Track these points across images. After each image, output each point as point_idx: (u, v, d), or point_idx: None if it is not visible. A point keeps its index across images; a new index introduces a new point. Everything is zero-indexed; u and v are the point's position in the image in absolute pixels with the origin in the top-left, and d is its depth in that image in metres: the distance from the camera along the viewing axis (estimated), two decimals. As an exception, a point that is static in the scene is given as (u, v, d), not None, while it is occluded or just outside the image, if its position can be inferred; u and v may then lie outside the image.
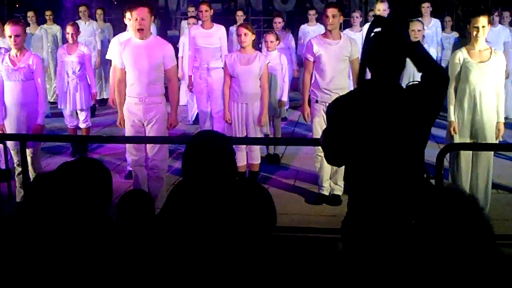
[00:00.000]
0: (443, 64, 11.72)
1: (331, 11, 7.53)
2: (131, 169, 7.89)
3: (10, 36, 7.59)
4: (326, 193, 7.77)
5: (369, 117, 4.18)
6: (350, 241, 4.44)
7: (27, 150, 7.02)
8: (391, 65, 4.23)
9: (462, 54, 6.87)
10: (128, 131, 7.19)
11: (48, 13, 14.33)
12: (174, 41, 13.57)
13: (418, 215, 2.87)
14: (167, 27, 20.51)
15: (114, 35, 13.32)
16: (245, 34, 8.26)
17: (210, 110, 10.01)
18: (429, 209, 2.83)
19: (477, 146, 6.92)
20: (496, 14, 12.45)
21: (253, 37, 8.31)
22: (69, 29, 9.86)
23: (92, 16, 14.46)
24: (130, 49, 7.02)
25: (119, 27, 12.57)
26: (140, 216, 3.58)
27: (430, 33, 12.00)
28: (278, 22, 12.23)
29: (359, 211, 4.35)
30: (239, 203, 3.37)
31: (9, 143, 7.53)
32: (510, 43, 11.77)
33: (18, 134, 7.42)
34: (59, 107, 10.31)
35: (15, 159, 7.61)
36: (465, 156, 6.96)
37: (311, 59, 7.68)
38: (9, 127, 7.73)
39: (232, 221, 3.31)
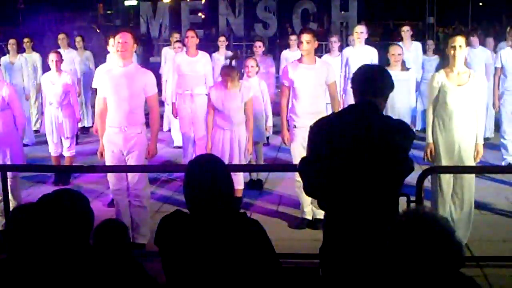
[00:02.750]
0: (424, 87, 11.81)
1: (304, 37, 7.57)
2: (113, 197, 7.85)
3: None
4: (309, 217, 7.77)
5: (345, 142, 4.23)
6: (328, 267, 4.47)
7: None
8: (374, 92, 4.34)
9: (440, 77, 6.92)
10: (109, 161, 7.14)
11: (26, 40, 14.26)
12: (156, 68, 13.64)
13: (391, 238, 2.89)
14: (149, 53, 20.57)
15: (95, 63, 13.40)
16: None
17: (194, 136, 10.02)
18: (400, 232, 2.84)
19: (458, 169, 6.94)
20: (474, 35, 12.57)
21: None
22: (53, 56, 9.79)
23: (72, 45, 14.44)
24: (110, 78, 7.01)
25: (101, 55, 12.60)
26: (114, 245, 3.59)
27: (411, 56, 12.07)
28: (259, 46, 12.27)
29: (335, 236, 4.38)
30: (232, 232, 3.44)
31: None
32: (490, 65, 11.82)
33: (-1, 165, 7.31)
34: (44, 133, 10.24)
35: None
36: (446, 178, 6.98)
37: (287, 84, 7.74)
38: None
39: (224, 250, 3.40)
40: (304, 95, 7.58)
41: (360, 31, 10.64)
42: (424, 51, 13.33)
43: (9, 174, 7.23)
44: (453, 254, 2.78)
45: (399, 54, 8.64)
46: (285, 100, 7.82)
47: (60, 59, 9.91)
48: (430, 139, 7.04)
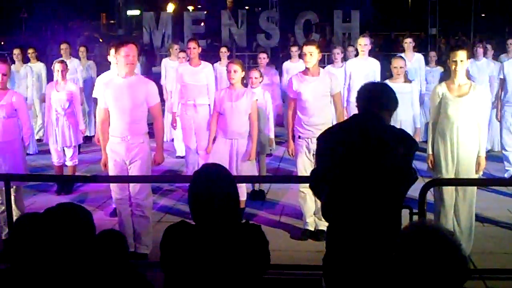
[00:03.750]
0: (427, 98, 11.82)
1: (308, 49, 7.59)
2: (115, 206, 7.86)
3: (4, 74, 7.55)
4: (311, 228, 7.76)
5: (347, 152, 4.29)
6: (331, 278, 4.47)
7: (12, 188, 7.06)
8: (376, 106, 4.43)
9: (441, 89, 6.95)
10: (111, 170, 7.14)
11: (30, 51, 14.38)
12: (159, 78, 13.66)
13: (396, 251, 2.89)
14: (152, 63, 20.61)
15: (97, 72, 13.42)
16: (234, 71, 8.41)
17: (196, 147, 9.98)
18: (406, 246, 2.84)
19: (460, 181, 6.94)
20: (479, 46, 12.51)
21: (243, 73, 8.46)
22: (58, 66, 9.87)
23: (75, 54, 14.49)
24: (112, 89, 7.01)
25: (103, 65, 12.62)
26: (112, 255, 3.60)
27: (413, 68, 12.08)
28: (263, 57, 12.29)
29: (339, 247, 4.40)
30: (238, 244, 3.48)
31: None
32: (495, 77, 11.76)
33: (2, 174, 7.26)
34: (47, 143, 10.25)
35: None
36: (449, 191, 6.98)
37: (292, 96, 7.76)
38: None
39: (230, 262, 3.43)
40: (309, 106, 7.59)
41: (364, 43, 10.63)
42: (427, 63, 13.33)
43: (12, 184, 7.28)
44: (459, 268, 2.78)
45: (401, 67, 8.68)
46: (291, 111, 7.83)
47: (65, 69, 10.00)
48: (430, 150, 7.09)
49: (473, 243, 7.06)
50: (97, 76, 11.81)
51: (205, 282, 3.43)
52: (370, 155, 4.24)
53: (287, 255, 6.98)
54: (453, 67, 6.87)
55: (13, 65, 13.34)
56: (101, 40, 25.74)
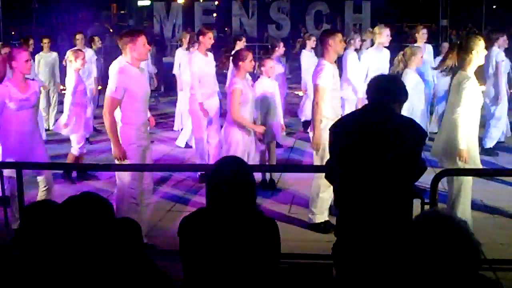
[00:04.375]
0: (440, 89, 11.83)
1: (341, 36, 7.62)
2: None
3: (27, 61, 7.55)
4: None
5: (357, 140, 4.35)
6: (342, 266, 4.49)
7: (41, 178, 7.47)
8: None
9: (475, 81, 6.86)
10: (138, 160, 7.01)
11: (45, 40, 14.50)
12: (170, 68, 13.69)
13: (409, 238, 2.89)
14: (163, 54, 20.65)
15: (109, 63, 13.46)
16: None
17: (207, 136, 9.98)
18: (418, 234, 2.85)
19: (471, 171, 6.90)
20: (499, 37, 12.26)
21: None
22: (81, 55, 9.92)
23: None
24: (134, 77, 6.94)
25: (114, 55, 12.65)
26: (130, 243, 3.61)
27: (427, 58, 12.04)
28: (282, 47, 12.49)
29: (349, 236, 4.42)
30: (253, 233, 3.56)
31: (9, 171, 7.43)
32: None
33: (15, 163, 7.27)
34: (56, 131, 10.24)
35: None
36: (471, 180, 6.97)
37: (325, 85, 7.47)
38: (25, 157, 7.52)
39: (245, 250, 3.52)
40: (332, 96, 7.50)
41: (387, 34, 10.75)
42: (439, 53, 13.28)
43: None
44: (472, 256, 2.79)
45: (421, 57, 8.78)
46: (322, 102, 7.45)
47: (85, 59, 10.13)
48: (464, 144, 6.81)
49: (483, 234, 7.05)
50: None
51: (222, 269, 3.50)
52: (380, 145, 4.27)
53: (297, 245, 6.98)
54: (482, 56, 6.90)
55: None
56: (111, 31, 25.76)
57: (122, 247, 3.55)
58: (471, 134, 6.90)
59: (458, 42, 7.01)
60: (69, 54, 10.02)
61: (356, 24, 20.44)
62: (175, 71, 13.50)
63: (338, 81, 7.73)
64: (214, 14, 23.24)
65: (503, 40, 11.48)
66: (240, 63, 8.33)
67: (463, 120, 6.73)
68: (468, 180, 6.96)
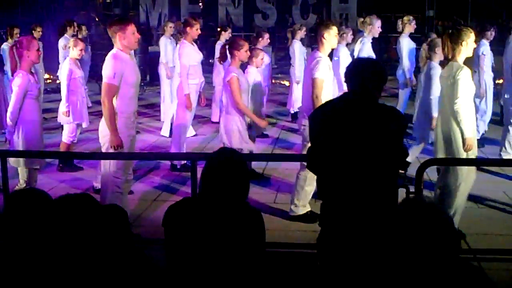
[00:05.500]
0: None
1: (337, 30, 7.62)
2: (98, 186, 7.83)
3: (38, 49, 7.56)
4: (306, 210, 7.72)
5: (338, 129, 4.32)
6: (326, 256, 4.49)
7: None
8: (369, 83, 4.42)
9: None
10: (129, 148, 6.96)
11: (38, 29, 14.49)
12: (157, 57, 13.64)
13: (391, 226, 2.90)
14: (148, 43, 20.56)
15: (95, 52, 13.47)
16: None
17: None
18: (401, 220, 2.86)
19: (456, 161, 6.89)
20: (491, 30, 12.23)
21: None
22: (81, 45, 9.86)
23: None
24: (127, 64, 6.88)
25: (100, 44, 12.64)
26: (117, 231, 3.59)
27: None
28: (266, 38, 12.49)
29: (333, 225, 4.41)
30: (237, 224, 3.60)
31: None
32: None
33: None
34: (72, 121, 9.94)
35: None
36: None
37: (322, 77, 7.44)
38: (38, 146, 7.70)
39: (228, 240, 3.56)
40: (327, 89, 7.47)
41: (379, 25, 10.90)
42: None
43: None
44: (453, 243, 2.79)
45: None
46: (322, 95, 7.37)
47: (84, 48, 10.18)
48: (470, 132, 6.77)
49: (468, 224, 7.09)
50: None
51: (205, 259, 3.53)
52: (362, 133, 4.25)
53: (282, 234, 6.99)
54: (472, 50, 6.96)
55: (6, 42, 13.43)
56: (97, 19, 25.62)
57: (110, 234, 3.53)
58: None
59: (450, 32, 6.97)
60: (71, 41, 10.01)
61: (342, 14, 20.42)
62: (162, 59, 13.45)
63: (332, 74, 7.73)
64: (200, 4, 23.16)
65: (490, 34, 11.49)
66: (236, 52, 8.36)
67: (464, 109, 6.70)
68: (472, 170, 6.94)
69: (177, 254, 3.62)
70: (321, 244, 4.54)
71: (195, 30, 9.92)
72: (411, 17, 12.01)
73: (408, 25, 11.75)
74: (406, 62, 11.77)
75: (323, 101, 7.23)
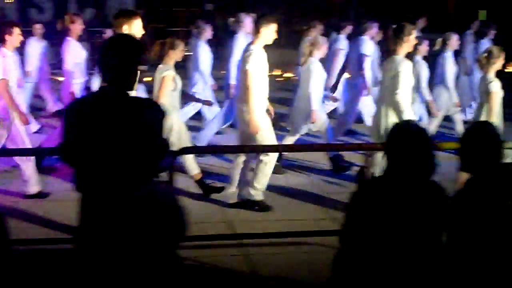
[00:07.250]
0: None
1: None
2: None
3: None
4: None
5: (93, 122, 4.19)
6: (83, 248, 4.33)
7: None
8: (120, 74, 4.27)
9: None
10: None
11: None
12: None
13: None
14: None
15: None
16: None
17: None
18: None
19: (209, 148, 7.02)
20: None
21: None
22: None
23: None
24: None
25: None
26: None
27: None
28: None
29: (92, 221, 4.25)
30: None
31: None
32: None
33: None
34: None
35: None
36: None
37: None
38: None
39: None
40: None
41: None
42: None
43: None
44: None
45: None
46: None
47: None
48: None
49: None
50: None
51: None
52: (117, 126, 4.17)
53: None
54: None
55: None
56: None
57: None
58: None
59: (394, 27, 7.58)
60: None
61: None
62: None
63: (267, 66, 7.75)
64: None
65: (374, 32, 11.41)
66: (170, 51, 8.23)
67: (405, 100, 7.32)
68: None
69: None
70: (79, 236, 4.36)
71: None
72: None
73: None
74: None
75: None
